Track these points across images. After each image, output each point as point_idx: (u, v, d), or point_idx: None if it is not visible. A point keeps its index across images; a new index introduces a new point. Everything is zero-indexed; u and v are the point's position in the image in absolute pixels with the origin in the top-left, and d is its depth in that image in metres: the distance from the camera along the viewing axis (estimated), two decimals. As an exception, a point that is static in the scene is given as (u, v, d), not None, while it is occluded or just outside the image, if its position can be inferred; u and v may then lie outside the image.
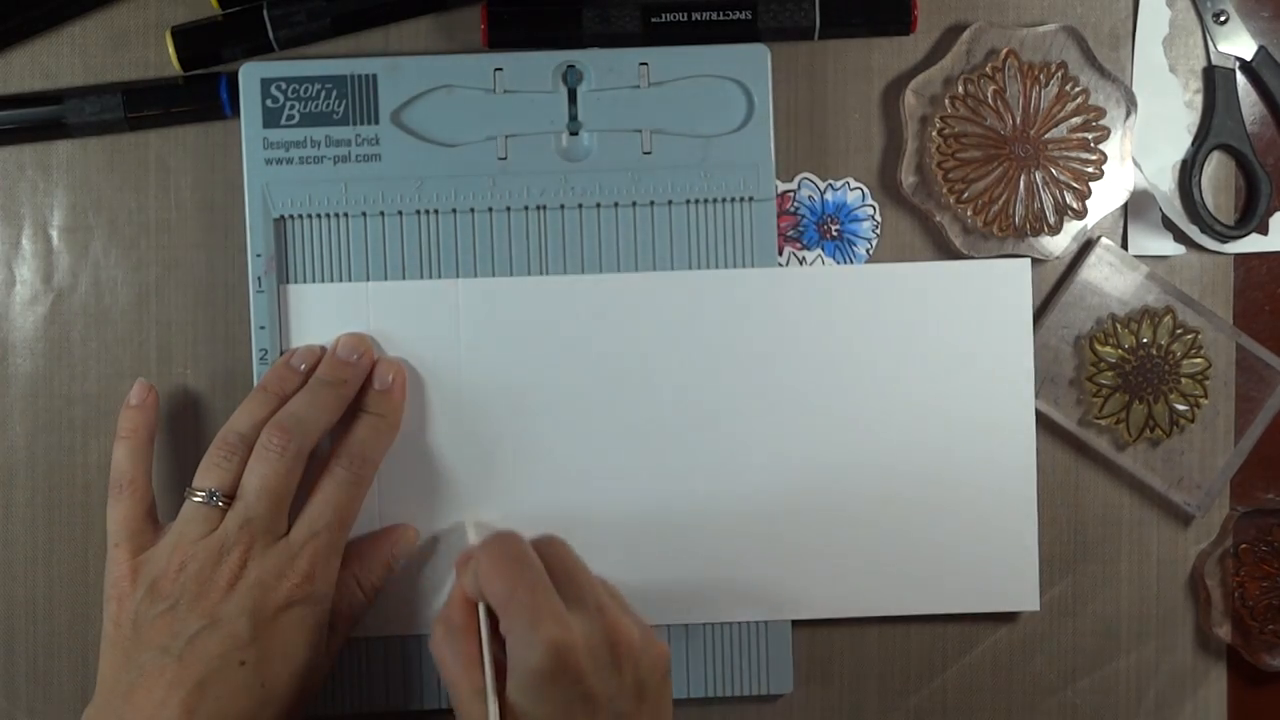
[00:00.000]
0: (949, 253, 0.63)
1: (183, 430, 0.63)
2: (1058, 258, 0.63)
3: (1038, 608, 0.63)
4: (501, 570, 0.52)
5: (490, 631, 0.53)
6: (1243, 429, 0.64)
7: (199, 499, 0.56)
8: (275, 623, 0.55)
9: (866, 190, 0.63)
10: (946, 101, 0.62)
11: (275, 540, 0.56)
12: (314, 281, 0.61)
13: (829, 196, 0.63)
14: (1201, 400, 0.63)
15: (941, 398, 0.62)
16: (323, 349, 0.60)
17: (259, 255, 0.60)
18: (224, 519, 0.56)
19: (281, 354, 0.60)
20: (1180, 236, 0.64)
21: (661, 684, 0.53)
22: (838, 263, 0.63)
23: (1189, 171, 0.63)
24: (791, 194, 0.63)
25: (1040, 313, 0.63)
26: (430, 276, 0.61)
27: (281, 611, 0.55)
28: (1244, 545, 0.64)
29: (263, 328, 0.60)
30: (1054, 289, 0.63)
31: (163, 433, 0.62)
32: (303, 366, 0.59)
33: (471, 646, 0.54)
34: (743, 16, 0.61)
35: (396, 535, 0.60)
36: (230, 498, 0.56)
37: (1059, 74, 0.62)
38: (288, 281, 0.61)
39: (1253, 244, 0.64)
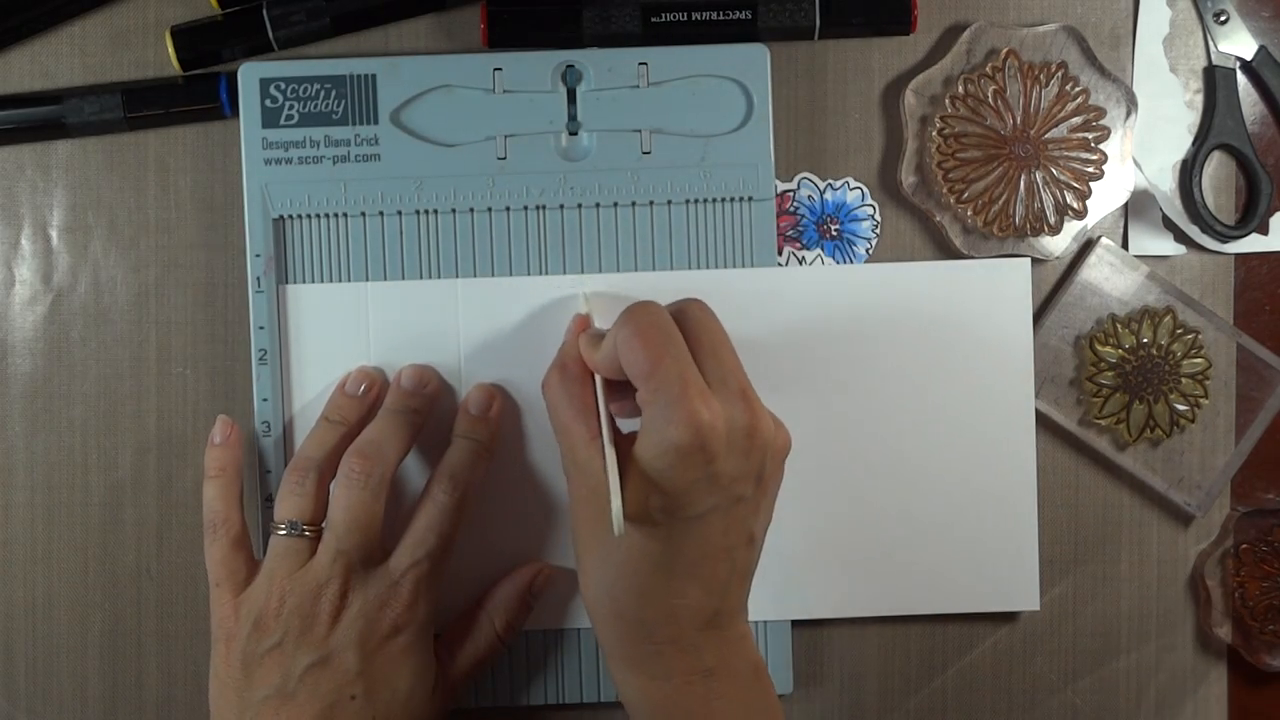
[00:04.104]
0: (949, 253, 0.63)
1: (182, 430, 0.63)
2: (1058, 258, 0.63)
3: (1038, 608, 0.63)
4: (646, 340, 0.51)
5: (605, 392, 0.54)
6: (1243, 429, 0.64)
7: (283, 532, 0.56)
8: (381, 652, 0.55)
9: (866, 190, 0.63)
10: (947, 101, 0.62)
11: (371, 568, 0.56)
12: (313, 281, 0.61)
13: (829, 196, 0.63)
14: (1202, 400, 0.63)
15: (941, 398, 0.62)
16: (377, 370, 0.60)
17: (258, 255, 0.60)
18: (314, 550, 0.56)
19: (281, 354, 0.60)
20: (1181, 236, 0.64)
21: (777, 470, 0.54)
22: (837, 262, 0.63)
23: (1189, 171, 0.63)
24: (791, 194, 0.63)
25: (1040, 313, 0.63)
26: (430, 276, 0.61)
27: (387, 641, 0.56)
28: (1244, 545, 0.64)
29: (262, 328, 0.60)
30: (1054, 289, 0.63)
31: (161, 433, 0.63)
32: (360, 390, 0.60)
33: (588, 395, 0.54)
34: (743, 16, 0.61)
35: (533, 574, 0.61)
36: (312, 525, 0.56)
37: (1059, 74, 0.62)
38: (287, 281, 0.61)
39: (1253, 244, 0.64)
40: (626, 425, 0.55)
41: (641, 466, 0.51)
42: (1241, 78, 0.64)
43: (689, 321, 0.53)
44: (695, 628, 0.53)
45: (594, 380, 0.55)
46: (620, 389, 0.54)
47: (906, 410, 0.62)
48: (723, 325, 0.54)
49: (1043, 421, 0.63)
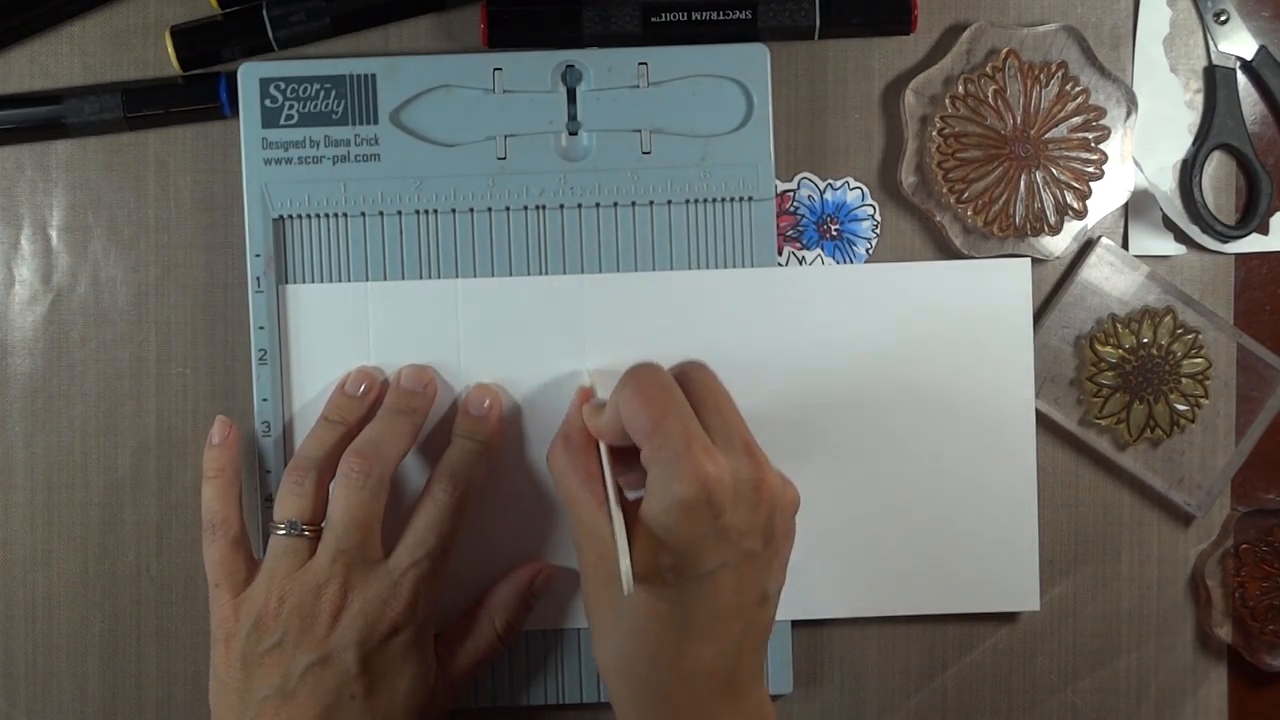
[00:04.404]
0: (949, 253, 0.63)
1: (182, 430, 0.63)
2: (1058, 258, 0.63)
3: (1038, 608, 0.63)
4: (649, 399, 0.51)
5: (610, 460, 0.54)
6: (1243, 429, 0.64)
7: (282, 531, 0.56)
8: (381, 652, 0.56)
9: (866, 190, 0.63)
10: (947, 101, 0.62)
11: (371, 567, 0.56)
12: (313, 281, 0.61)
13: (829, 196, 0.63)
14: (1202, 400, 0.63)
15: (941, 398, 0.62)
16: (377, 370, 0.60)
17: (258, 255, 0.60)
18: (314, 550, 0.56)
19: (281, 354, 0.60)
20: (1181, 236, 0.64)
21: (787, 527, 0.54)
22: (837, 262, 0.63)
23: (1189, 171, 0.63)
24: (791, 194, 0.63)
25: (1040, 313, 0.63)
26: (430, 276, 0.61)
27: (387, 640, 0.56)
28: (1244, 545, 0.64)
29: (262, 328, 0.60)
30: (1054, 289, 0.63)
31: (161, 433, 0.62)
32: (360, 390, 0.60)
33: (593, 464, 0.54)
34: (743, 16, 0.61)
35: (533, 573, 0.61)
36: (312, 525, 0.56)
37: (1059, 74, 0.62)
38: (287, 281, 0.61)
39: (1253, 244, 0.64)
40: (635, 494, 0.54)
41: (649, 525, 0.50)
42: (1242, 78, 0.64)
43: (690, 381, 0.53)
44: (711, 692, 0.52)
45: (598, 448, 0.55)
46: (626, 459, 0.54)
47: (906, 410, 0.62)
48: (724, 385, 0.54)
49: (1043, 421, 0.63)
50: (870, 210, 0.63)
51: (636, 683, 0.53)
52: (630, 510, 0.52)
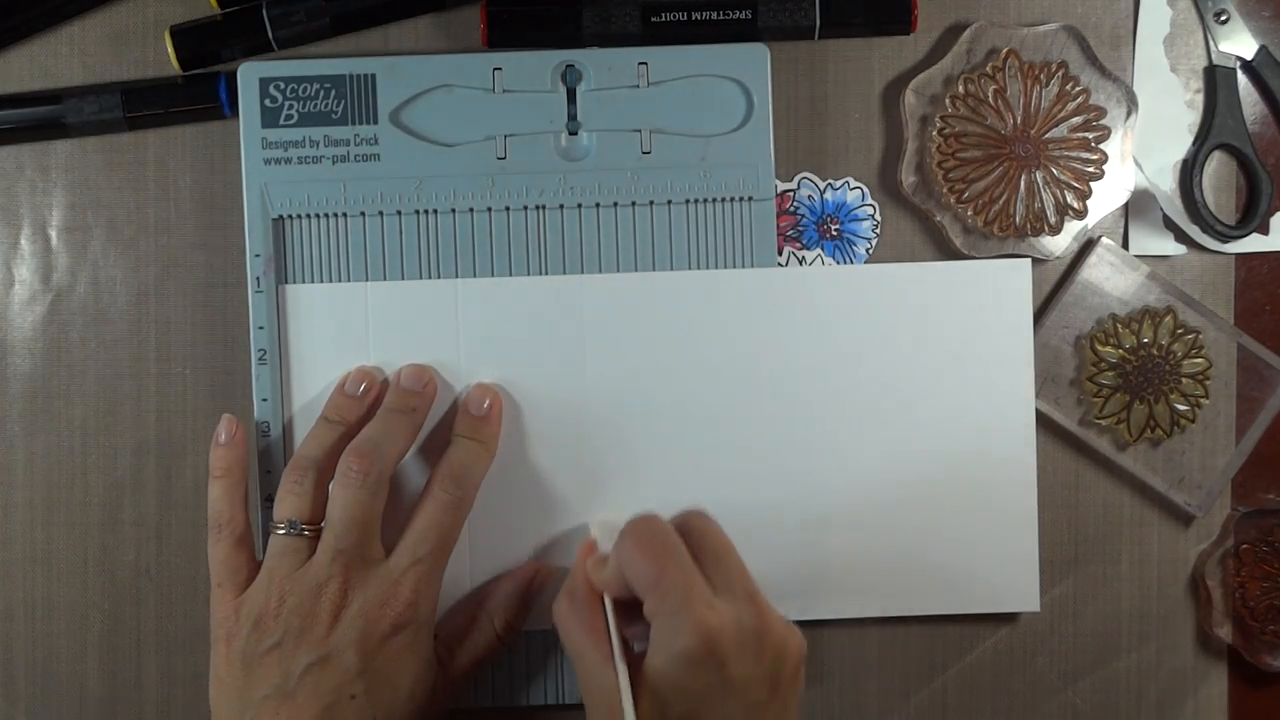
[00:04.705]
0: (949, 253, 0.63)
1: (182, 430, 0.63)
2: (1058, 258, 0.63)
3: (1038, 608, 0.63)
4: (649, 552, 0.51)
5: (615, 613, 0.54)
6: (1243, 429, 0.64)
7: (282, 531, 0.56)
8: (381, 651, 0.55)
9: (866, 190, 0.63)
10: (947, 101, 0.62)
11: (371, 567, 0.56)
12: (313, 281, 0.61)
13: (829, 196, 0.63)
14: (1202, 400, 0.63)
15: (941, 398, 0.62)
16: (377, 369, 0.60)
17: (258, 255, 0.60)
18: (314, 550, 0.56)
19: (280, 354, 0.60)
20: (1181, 236, 0.64)
21: (794, 675, 0.54)
22: (838, 262, 0.63)
23: (1190, 171, 0.63)
24: (791, 194, 0.63)
25: (1040, 313, 0.63)
26: (430, 276, 0.61)
27: (387, 639, 0.56)
28: (1245, 545, 0.64)
29: (261, 328, 0.60)
30: (1054, 289, 0.63)
31: (161, 433, 0.62)
32: (360, 390, 0.60)
33: (598, 619, 0.54)
34: (743, 16, 0.61)
35: (533, 572, 0.61)
36: (312, 524, 0.56)
37: (1059, 73, 0.62)
38: (286, 281, 0.61)
39: (1253, 244, 0.64)
40: (642, 646, 0.54)
41: (654, 679, 0.51)
42: (1242, 77, 0.64)
43: (691, 531, 0.53)
44: None
45: (603, 603, 0.54)
46: (632, 610, 0.54)
47: (906, 410, 0.62)
48: (724, 533, 0.54)
49: (1043, 421, 0.63)
50: (870, 210, 0.63)
51: None
52: (636, 664, 0.52)
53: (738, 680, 0.51)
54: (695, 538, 0.53)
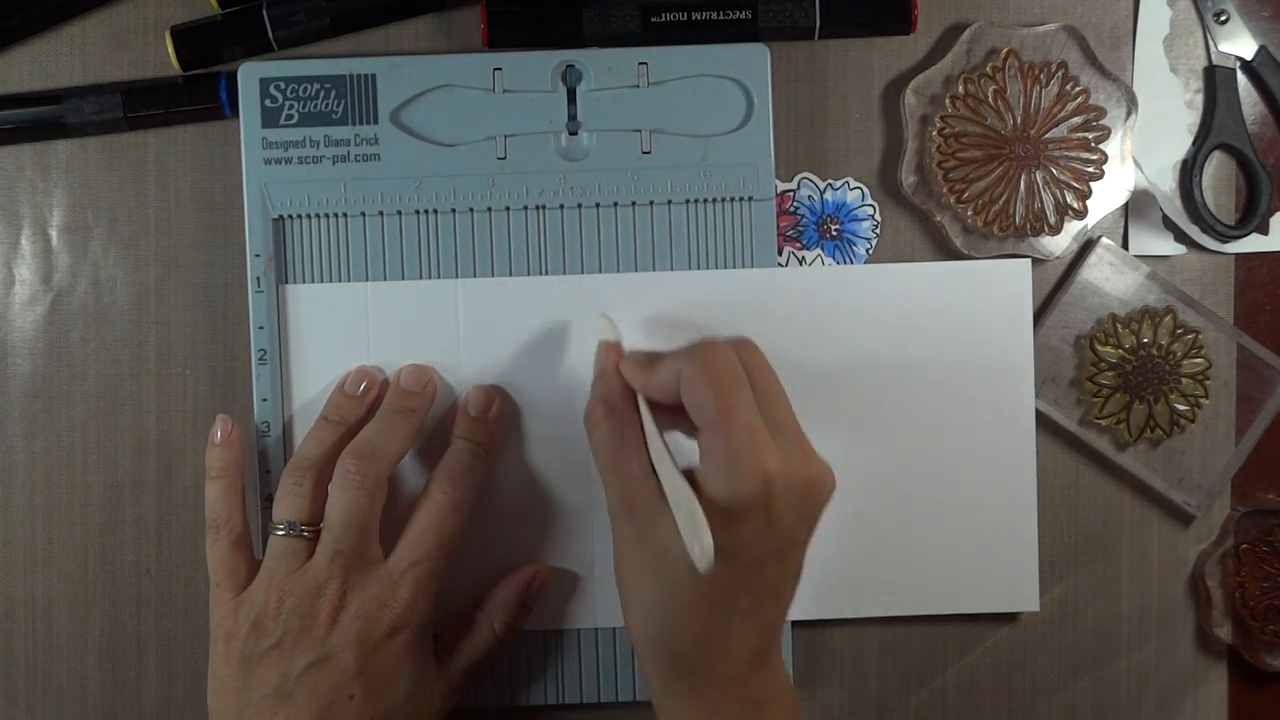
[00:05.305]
0: (949, 253, 0.63)
1: (182, 430, 0.63)
2: (1058, 258, 0.63)
3: (1038, 608, 0.63)
4: (719, 386, 0.51)
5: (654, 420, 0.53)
6: (1243, 429, 0.64)
7: (281, 532, 0.56)
8: (380, 652, 0.55)
9: (866, 190, 0.63)
10: (947, 101, 0.62)
11: (370, 568, 0.56)
12: (313, 281, 0.61)
13: (829, 196, 0.63)
14: (1202, 400, 0.63)
15: (941, 398, 0.62)
16: (376, 369, 0.60)
17: (258, 255, 0.60)
18: (313, 550, 0.56)
19: (280, 354, 0.60)
20: (1181, 236, 0.64)
21: (821, 513, 0.54)
22: (837, 263, 0.63)
23: (1189, 171, 0.63)
24: (791, 194, 0.63)
25: (1040, 313, 0.63)
26: (430, 276, 0.61)
27: (385, 640, 0.56)
28: (1244, 545, 0.64)
29: (261, 328, 0.60)
30: (1054, 289, 0.63)
31: (161, 433, 0.63)
32: (359, 390, 0.60)
33: (635, 430, 0.54)
34: (743, 16, 0.61)
35: (532, 575, 0.61)
36: (310, 525, 0.56)
37: (1059, 74, 0.62)
38: (287, 281, 0.61)
39: (1253, 244, 0.64)
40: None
41: (706, 509, 0.51)
42: (1241, 78, 0.64)
43: (746, 366, 0.53)
44: (744, 664, 0.53)
45: (639, 414, 0.54)
46: (664, 412, 0.54)
47: (906, 410, 0.62)
48: (771, 366, 0.54)
49: (1043, 421, 0.63)
50: (870, 210, 0.63)
51: (676, 656, 0.53)
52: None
53: (783, 524, 0.51)
54: (750, 373, 0.53)
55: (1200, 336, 0.63)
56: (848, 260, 0.63)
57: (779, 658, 0.55)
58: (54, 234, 0.62)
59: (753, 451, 0.50)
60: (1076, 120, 0.62)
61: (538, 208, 0.61)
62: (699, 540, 0.49)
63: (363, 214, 0.61)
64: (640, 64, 0.61)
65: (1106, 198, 0.62)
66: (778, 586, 0.53)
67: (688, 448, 0.53)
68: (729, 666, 0.53)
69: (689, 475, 0.52)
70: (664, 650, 0.53)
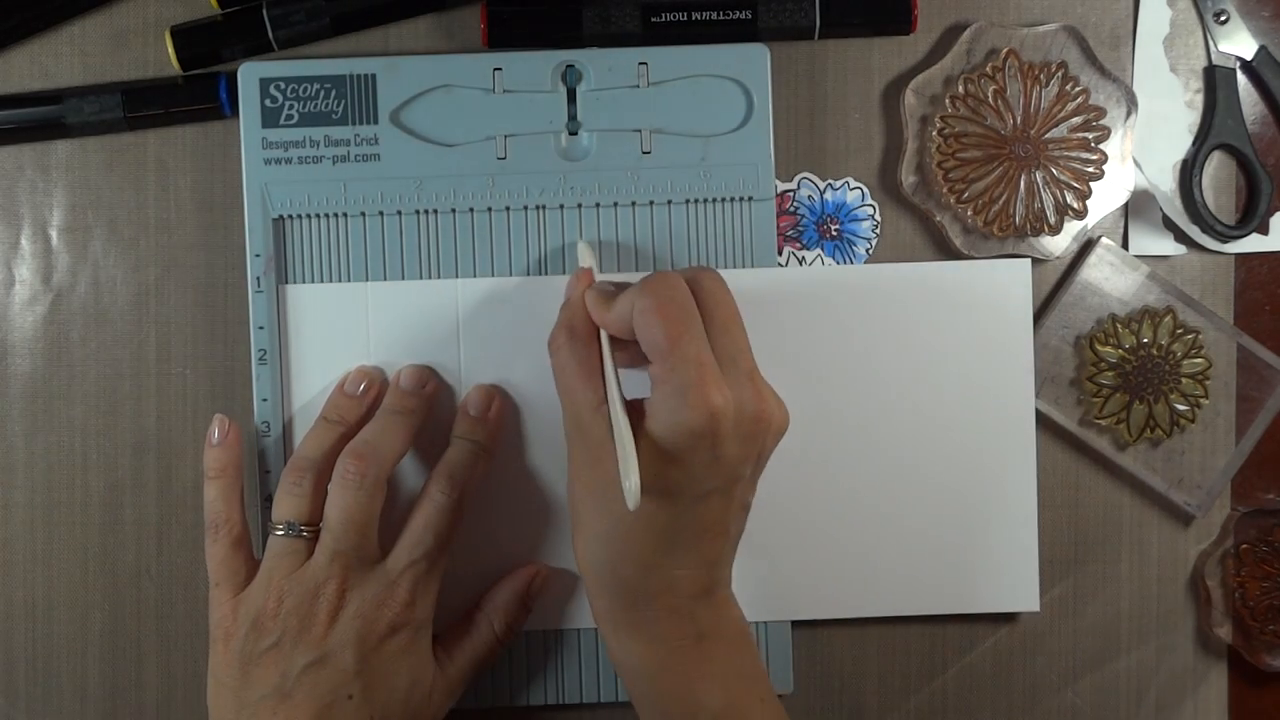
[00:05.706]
0: (949, 253, 0.63)
1: (182, 430, 0.63)
2: (1058, 258, 0.63)
3: (1038, 608, 0.63)
4: (666, 317, 0.52)
5: (611, 350, 0.54)
6: (1243, 429, 0.64)
7: (280, 532, 0.56)
8: (378, 652, 0.56)
9: (866, 190, 0.63)
10: (947, 101, 0.62)
11: (369, 568, 0.56)
12: (313, 281, 0.61)
13: (829, 196, 0.63)
14: (1202, 400, 0.63)
15: (941, 398, 0.62)
16: (376, 369, 0.60)
17: (258, 255, 0.60)
18: (312, 550, 0.56)
19: (280, 354, 0.60)
20: (1181, 236, 0.64)
21: (773, 448, 0.55)
22: (837, 262, 0.63)
23: (1189, 171, 0.63)
24: (791, 194, 0.63)
25: (1040, 313, 0.63)
26: (430, 276, 0.61)
27: (384, 640, 0.56)
28: (1244, 545, 0.64)
29: (261, 328, 0.60)
30: (1054, 289, 0.63)
31: (161, 433, 0.62)
32: (359, 389, 0.60)
33: (595, 358, 0.54)
34: (743, 16, 0.61)
35: (532, 575, 0.61)
36: (310, 525, 0.56)
37: (1059, 74, 0.62)
38: (287, 281, 0.61)
39: (1253, 244, 0.64)
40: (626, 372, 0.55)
41: (646, 443, 0.51)
42: (1241, 78, 0.64)
43: (703, 294, 0.53)
44: (690, 595, 0.54)
45: (600, 342, 0.55)
46: (627, 348, 0.55)
47: (906, 410, 0.62)
48: (733, 296, 0.54)
49: (1043, 421, 0.63)
50: (870, 210, 0.63)
51: (620, 585, 0.54)
52: (631, 418, 0.52)
53: (730, 459, 0.52)
54: (706, 301, 0.53)
55: (1200, 336, 0.63)
56: (848, 260, 0.63)
57: (726, 591, 0.56)
58: (54, 234, 0.62)
59: (699, 385, 0.50)
60: (1076, 120, 0.62)
61: (538, 208, 0.61)
62: (628, 477, 0.49)
63: (363, 214, 0.61)
64: (640, 64, 0.61)
65: (1106, 198, 0.62)
66: (723, 521, 0.54)
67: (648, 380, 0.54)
68: (671, 598, 0.54)
69: (641, 407, 0.52)
70: (608, 578, 0.54)
